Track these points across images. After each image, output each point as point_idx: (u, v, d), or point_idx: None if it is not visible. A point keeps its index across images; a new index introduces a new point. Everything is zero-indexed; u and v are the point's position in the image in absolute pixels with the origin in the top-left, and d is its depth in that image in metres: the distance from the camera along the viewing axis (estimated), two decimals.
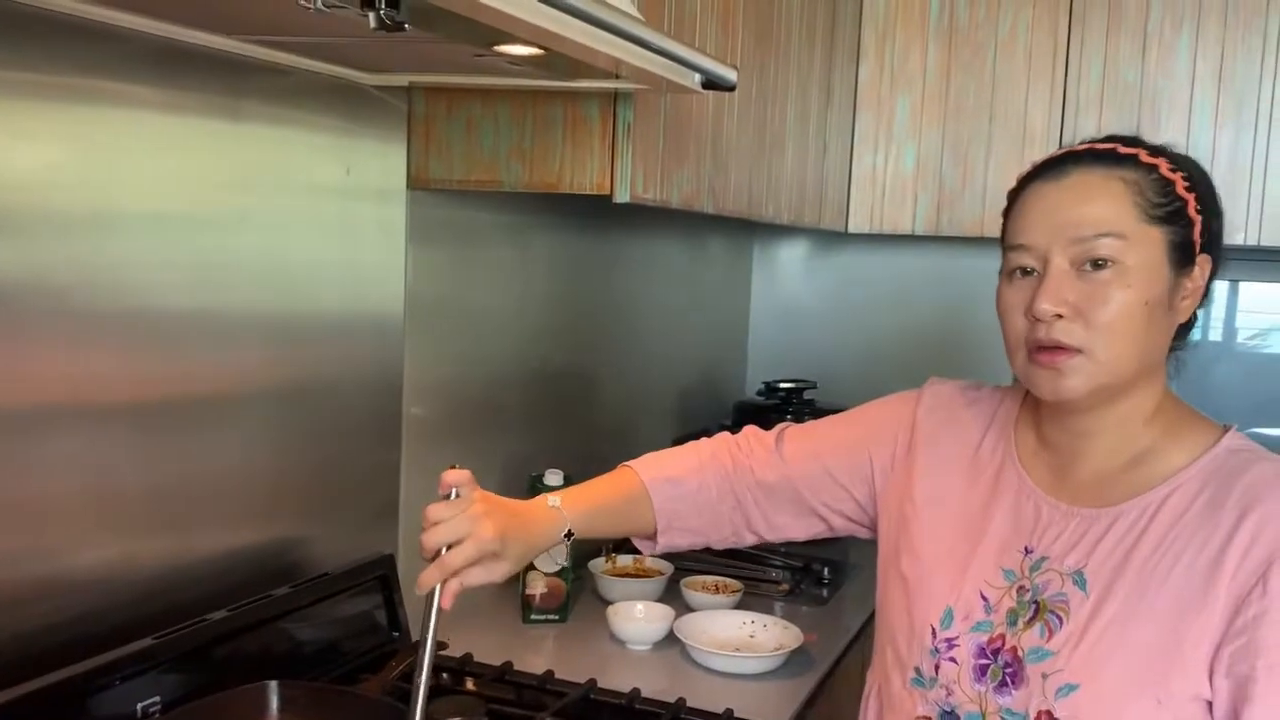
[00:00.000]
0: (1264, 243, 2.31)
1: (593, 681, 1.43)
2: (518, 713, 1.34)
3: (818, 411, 2.43)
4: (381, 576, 1.51)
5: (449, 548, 1.03)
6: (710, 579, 1.94)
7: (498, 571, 1.07)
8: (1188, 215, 1.01)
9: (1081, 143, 1.06)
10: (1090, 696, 0.98)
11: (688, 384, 2.68)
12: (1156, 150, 1.04)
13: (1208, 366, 2.65)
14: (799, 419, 2.38)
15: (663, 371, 2.57)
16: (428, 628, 1.03)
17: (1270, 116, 2.29)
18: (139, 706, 1.14)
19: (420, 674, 1.02)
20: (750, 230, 2.99)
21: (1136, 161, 1.01)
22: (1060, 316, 0.99)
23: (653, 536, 1.26)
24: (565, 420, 2.13)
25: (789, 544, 2.22)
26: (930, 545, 1.15)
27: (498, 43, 1.10)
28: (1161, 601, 0.97)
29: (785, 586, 2.02)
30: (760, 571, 2.06)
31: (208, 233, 1.29)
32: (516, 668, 1.47)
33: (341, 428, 1.53)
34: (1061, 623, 1.01)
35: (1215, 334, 2.71)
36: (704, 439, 1.35)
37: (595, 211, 2.07)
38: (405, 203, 1.61)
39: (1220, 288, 2.62)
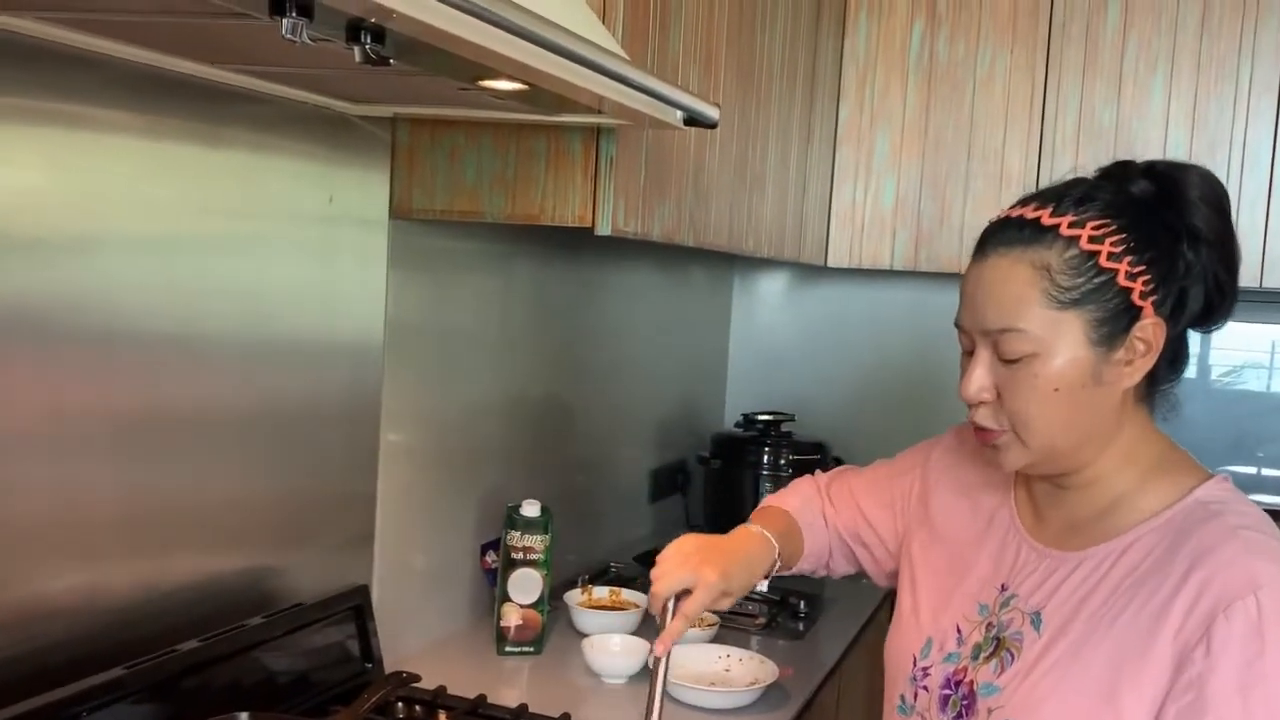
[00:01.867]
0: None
1: (566, 716, 1.43)
2: None
3: (795, 445, 2.44)
4: (356, 607, 1.50)
5: (679, 599, 1.10)
6: None
7: (727, 604, 1.16)
8: (1116, 285, 0.97)
9: (1027, 200, 1.02)
10: None
11: (666, 415, 2.69)
12: (1089, 200, 0.99)
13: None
14: (777, 452, 2.41)
15: (641, 402, 2.57)
16: (658, 680, 1.08)
17: (1242, 158, 2.34)
18: None
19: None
20: (730, 262, 3.01)
21: (1055, 234, 0.97)
22: (985, 402, 1.01)
23: (794, 563, 1.31)
24: (544, 450, 2.13)
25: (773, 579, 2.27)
26: (924, 578, 1.19)
27: (482, 78, 1.11)
28: (1105, 648, 0.97)
29: (761, 620, 2.02)
30: (737, 605, 2.05)
31: (187, 258, 1.29)
32: (490, 700, 1.46)
33: (318, 455, 1.53)
34: (1013, 659, 1.03)
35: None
36: (804, 478, 1.41)
37: (576, 242, 2.08)
38: (387, 231, 1.61)
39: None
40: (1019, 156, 2.47)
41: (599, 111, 1.31)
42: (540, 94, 1.16)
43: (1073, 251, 0.97)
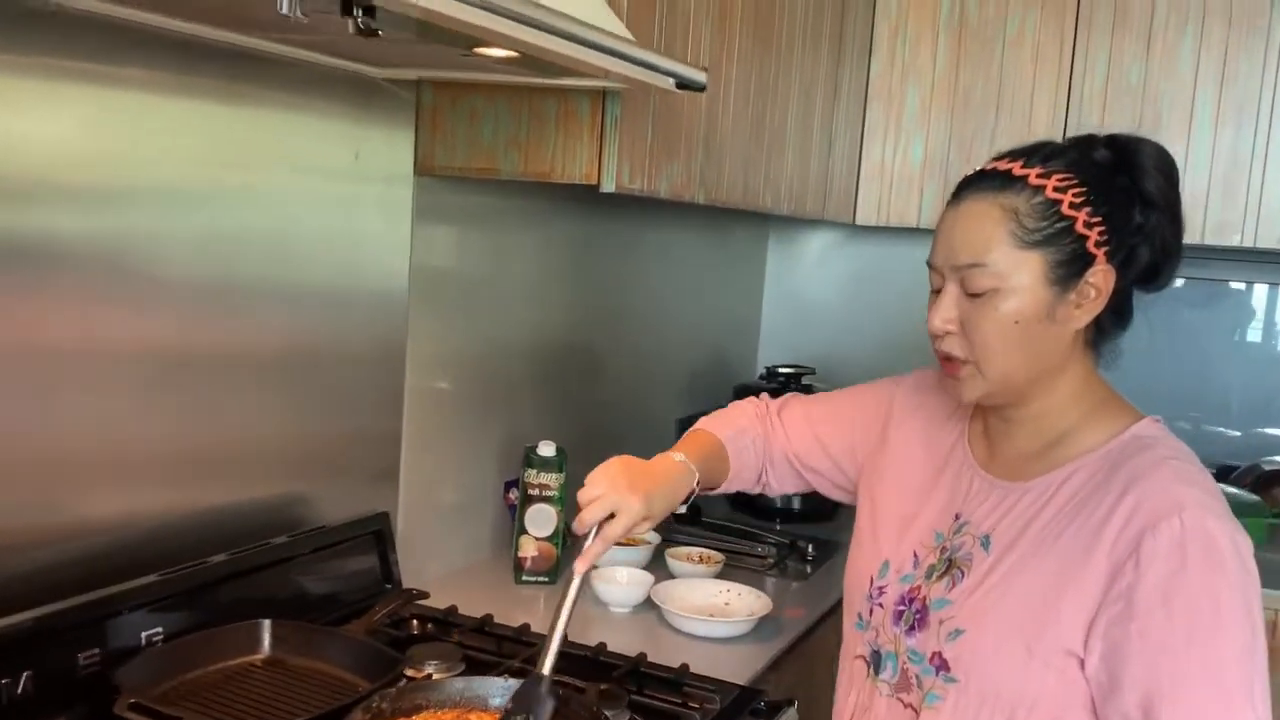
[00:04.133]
0: (1260, 244, 2.35)
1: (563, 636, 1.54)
2: (491, 659, 1.45)
3: None
4: (377, 532, 1.64)
5: (604, 521, 1.19)
6: (695, 550, 2.04)
7: (644, 528, 1.23)
8: (1074, 232, 1.06)
9: (998, 158, 1.12)
10: (972, 641, 1.09)
11: (696, 367, 2.78)
12: (1056, 157, 1.09)
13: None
14: None
15: (672, 353, 2.67)
16: (569, 595, 1.16)
17: (1271, 117, 2.33)
18: (143, 635, 1.28)
19: (555, 633, 1.16)
20: (765, 222, 3.08)
21: (1024, 184, 1.07)
22: (950, 333, 1.10)
23: (717, 486, 1.40)
24: (570, 395, 2.25)
25: (782, 521, 2.37)
26: (884, 507, 1.29)
27: (474, 46, 1.21)
28: (1046, 565, 1.07)
29: (770, 561, 2.12)
30: (748, 546, 2.16)
31: (220, 209, 1.42)
32: (497, 620, 1.59)
33: (345, 395, 1.65)
34: (963, 576, 1.13)
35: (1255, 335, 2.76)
36: (747, 400, 1.51)
37: (611, 199, 2.18)
38: (412, 186, 1.72)
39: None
40: (1046, 114, 2.49)
41: (599, 75, 1.40)
42: (533, 60, 1.25)
43: (1039, 199, 1.07)
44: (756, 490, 1.48)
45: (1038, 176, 1.07)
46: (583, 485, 1.22)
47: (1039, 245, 1.06)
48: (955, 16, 2.55)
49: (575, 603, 1.16)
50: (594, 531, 1.19)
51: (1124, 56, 2.42)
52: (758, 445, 1.44)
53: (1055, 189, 1.07)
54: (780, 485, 1.47)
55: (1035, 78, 2.50)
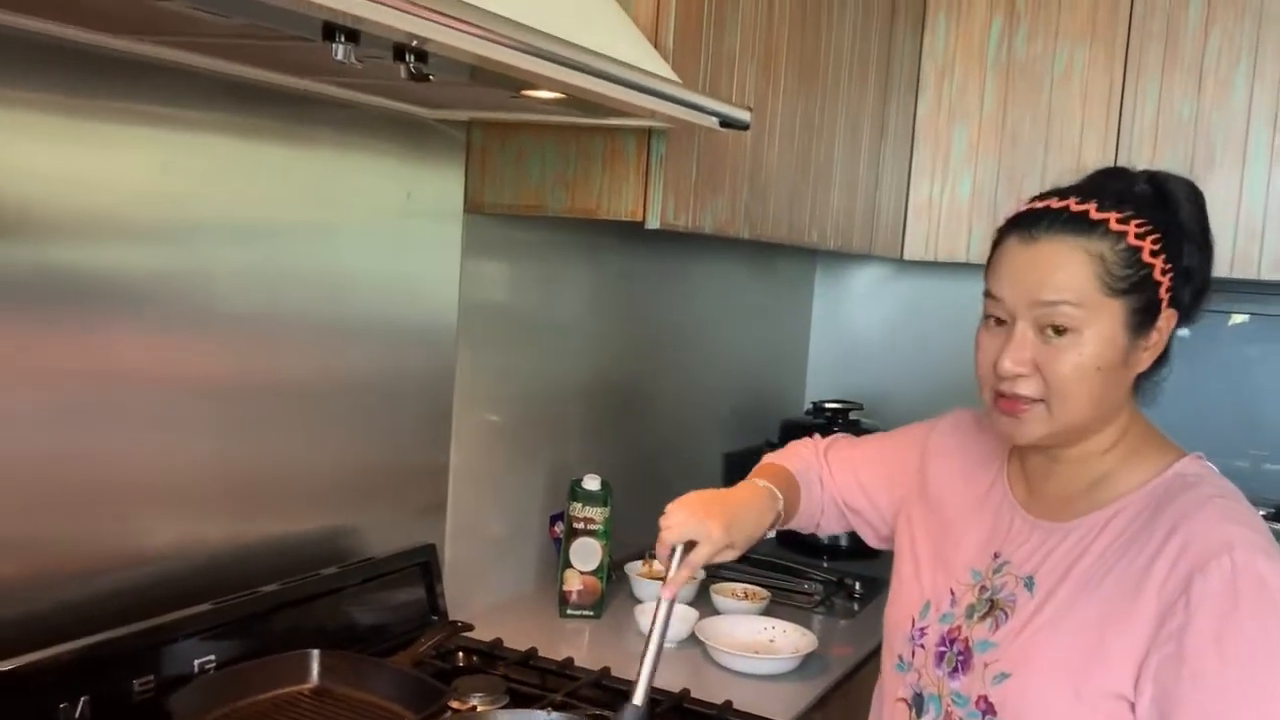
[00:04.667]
0: None
1: (606, 669, 1.55)
2: (535, 692, 1.46)
3: (861, 433, 2.51)
4: (424, 564, 1.66)
5: (685, 548, 1.18)
6: (740, 586, 2.04)
7: (731, 557, 1.22)
8: (1152, 280, 1.06)
9: (1061, 195, 1.10)
10: (1018, 684, 1.08)
11: (742, 402, 2.78)
12: (1127, 200, 1.08)
13: None
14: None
15: (718, 389, 2.68)
16: (657, 623, 1.15)
17: None
18: (196, 663, 1.30)
19: (646, 661, 1.14)
20: (812, 258, 3.09)
21: (1105, 229, 1.06)
22: (1023, 375, 1.08)
23: (788, 524, 1.39)
24: (616, 429, 2.26)
25: (829, 558, 2.35)
26: (922, 546, 1.28)
27: (523, 88, 1.24)
28: (1093, 606, 1.06)
29: (817, 598, 2.11)
30: (794, 583, 2.15)
31: (276, 246, 1.46)
32: (541, 654, 1.60)
33: (394, 428, 1.68)
34: (1007, 618, 1.11)
35: None
36: (803, 440, 1.52)
37: (661, 236, 2.20)
38: (461, 224, 1.76)
39: None
40: (1096, 151, 2.47)
41: (645, 115, 1.42)
42: (580, 101, 1.28)
43: (1122, 245, 1.06)
44: (810, 531, 1.48)
45: (1118, 222, 1.06)
46: (662, 513, 1.21)
47: (1124, 293, 1.06)
48: (1003, 54, 2.55)
49: (664, 631, 1.15)
50: (677, 560, 1.18)
51: (1175, 92, 2.40)
52: (819, 485, 1.44)
53: (1136, 236, 1.06)
54: (828, 525, 1.47)
55: (1084, 115, 2.49)
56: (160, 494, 1.34)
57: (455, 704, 1.36)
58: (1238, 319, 2.73)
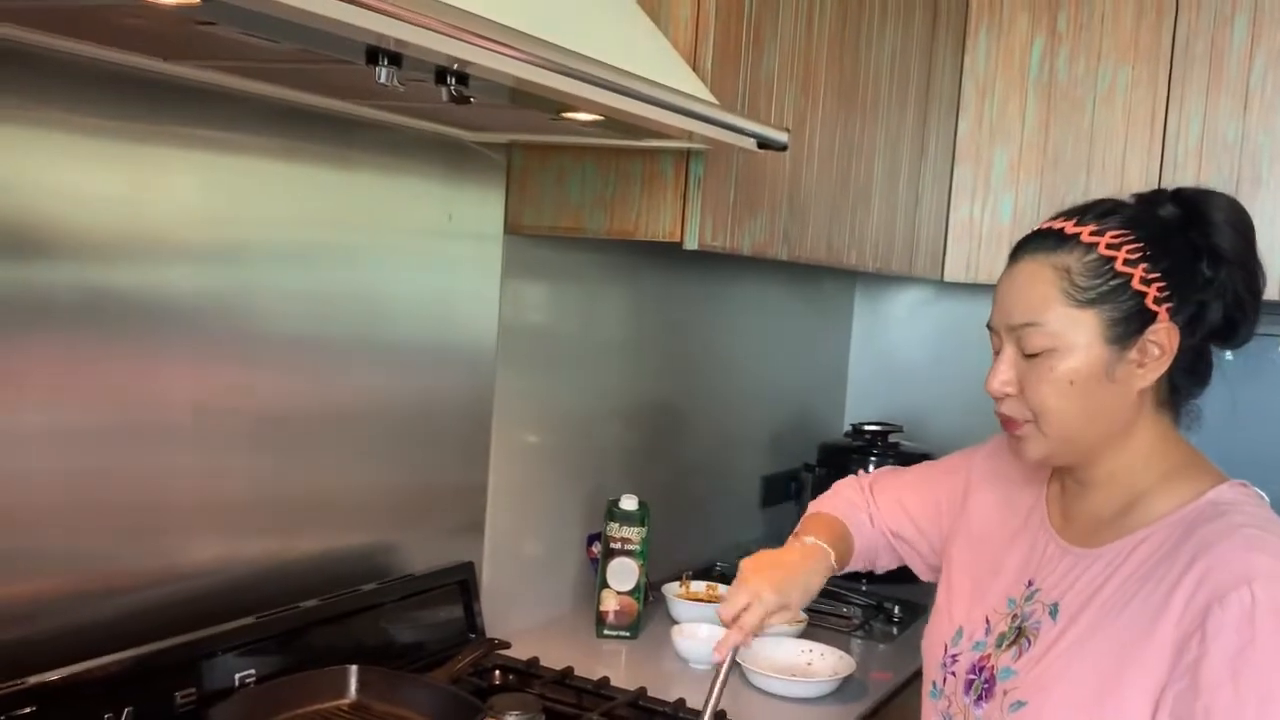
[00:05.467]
0: None
1: (642, 689, 1.55)
2: (571, 711, 1.46)
3: (901, 455, 2.49)
4: (462, 581, 1.67)
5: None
6: None
7: (788, 616, 1.26)
8: (1130, 289, 1.05)
9: (1053, 216, 1.12)
10: (1033, 713, 1.06)
11: (781, 424, 2.78)
12: (1112, 214, 1.07)
13: None
14: (882, 461, 2.47)
15: (757, 410, 2.67)
16: (719, 677, 1.22)
17: None
18: (237, 676, 1.32)
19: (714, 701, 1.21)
20: (853, 279, 3.08)
21: (1076, 242, 1.06)
22: (1009, 395, 1.09)
23: (843, 569, 1.40)
24: (654, 450, 2.26)
25: (868, 582, 2.33)
26: (960, 573, 1.27)
27: (563, 110, 1.25)
28: (1112, 634, 1.04)
29: (855, 622, 2.09)
30: (833, 606, 2.14)
31: (319, 268, 1.49)
32: (577, 673, 1.60)
33: (433, 448, 1.70)
34: (1030, 645, 1.10)
35: None
36: (847, 480, 1.51)
37: (699, 258, 2.21)
38: (501, 245, 1.78)
39: None
40: (1139, 173, 2.45)
41: (683, 137, 1.43)
42: (619, 123, 1.29)
43: (1091, 256, 1.06)
44: (866, 569, 1.47)
45: (1090, 234, 1.06)
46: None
47: (1093, 304, 1.05)
48: (1045, 75, 2.54)
49: (722, 685, 1.21)
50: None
51: (1220, 113, 2.38)
52: (869, 523, 1.44)
53: (1108, 246, 1.05)
54: (881, 562, 1.46)
55: (1127, 135, 2.47)
56: (202, 512, 1.36)
57: None
58: None
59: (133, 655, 1.22)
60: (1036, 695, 1.07)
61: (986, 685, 1.12)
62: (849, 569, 1.42)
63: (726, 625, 1.23)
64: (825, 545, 1.32)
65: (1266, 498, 1.09)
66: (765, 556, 1.28)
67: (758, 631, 1.22)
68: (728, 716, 1.51)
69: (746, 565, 1.25)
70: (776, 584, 1.22)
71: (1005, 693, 1.09)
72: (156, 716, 1.23)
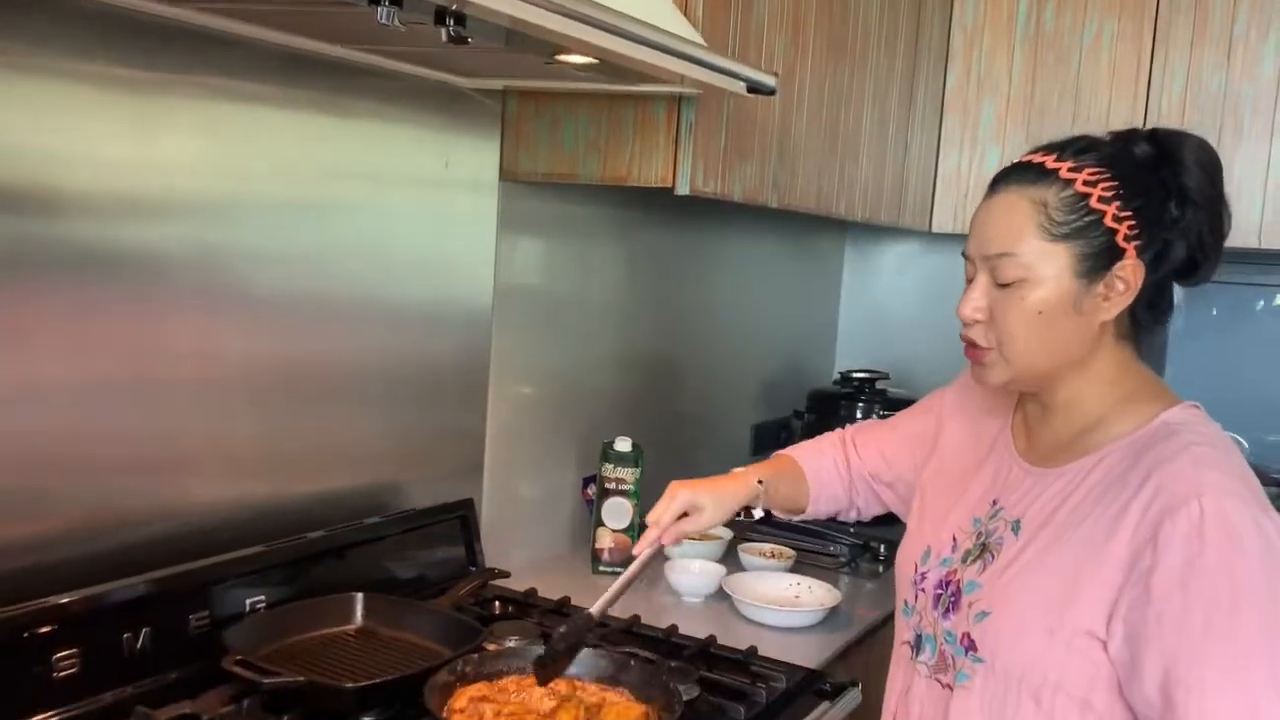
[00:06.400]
0: None
1: (636, 617, 1.61)
2: None
3: (887, 401, 2.55)
4: (462, 517, 1.72)
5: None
6: (767, 545, 2.09)
7: (702, 520, 1.35)
8: (1103, 226, 1.08)
9: (1032, 150, 1.15)
10: (996, 622, 1.12)
11: (771, 374, 2.83)
12: (1090, 150, 1.10)
13: None
14: (869, 408, 2.53)
15: (748, 360, 2.73)
16: (631, 570, 1.30)
17: None
18: (248, 602, 1.38)
19: (621, 580, 1.30)
20: (843, 231, 3.12)
21: (1055, 177, 1.09)
22: (979, 321, 1.13)
23: (804, 509, 1.50)
24: (647, 399, 2.32)
25: (857, 524, 2.40)
26: (930, 497, 1.34)
27: (557, 53, 1.29)
28: (1068, 549, 1.09)
29: (843, 560, 2.16)
30: (821, 545, 2.20)
31: (319, 221, 1.52)
32: (574, 603, 1.66)
33: (432, 397, 1.75)
34: (993, 560, 1.16)
35: None
36: (833, 432, 1.58)
37: (691, 207, 2.25)
38: (497, 194, 1.81)
39: None
40: (1124, 124, 2.46)
41: (674, 81, 1.47)
42: (611, 66, 1.33)
43: (1068, 192, 1.09)
44: (852, 517, 1.54)
45: (1069, 170, 1.09)
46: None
47: (1067, 238, 1.08)
48: (1031, 27, 2.57)
49: (630, 579, 1.30)
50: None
51: (1204, 64, 2.41)
52: (840, 467, 1.50)
53: (1085, 183, 1.08)
54: (867, 508, 1.52)
55: (1113, 88, 2.50)
56: (210, 455, 1.41)
57: (491, 646, 1.42)
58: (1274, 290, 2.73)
59: (147, 579, 1.27)
60: (999, 605, 1.12)
61: (953, 599, 1.18)
62: (820, 513, 1.50)
63: (649, 524, 1.33)
64: (754, 474, 1.42)
65: (1208, 418, 1.14)
66: (695, 479, 1.38)
67: (676, 537, 1.32)
68: (718, 640, 1.56)
69: (674, 482, 1.36)
70: (692, 489, 1.34)
71: (970, 604, 1.15)
72: (172, 637, 1.28)
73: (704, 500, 1.33)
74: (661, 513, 1.32)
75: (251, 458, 1.46)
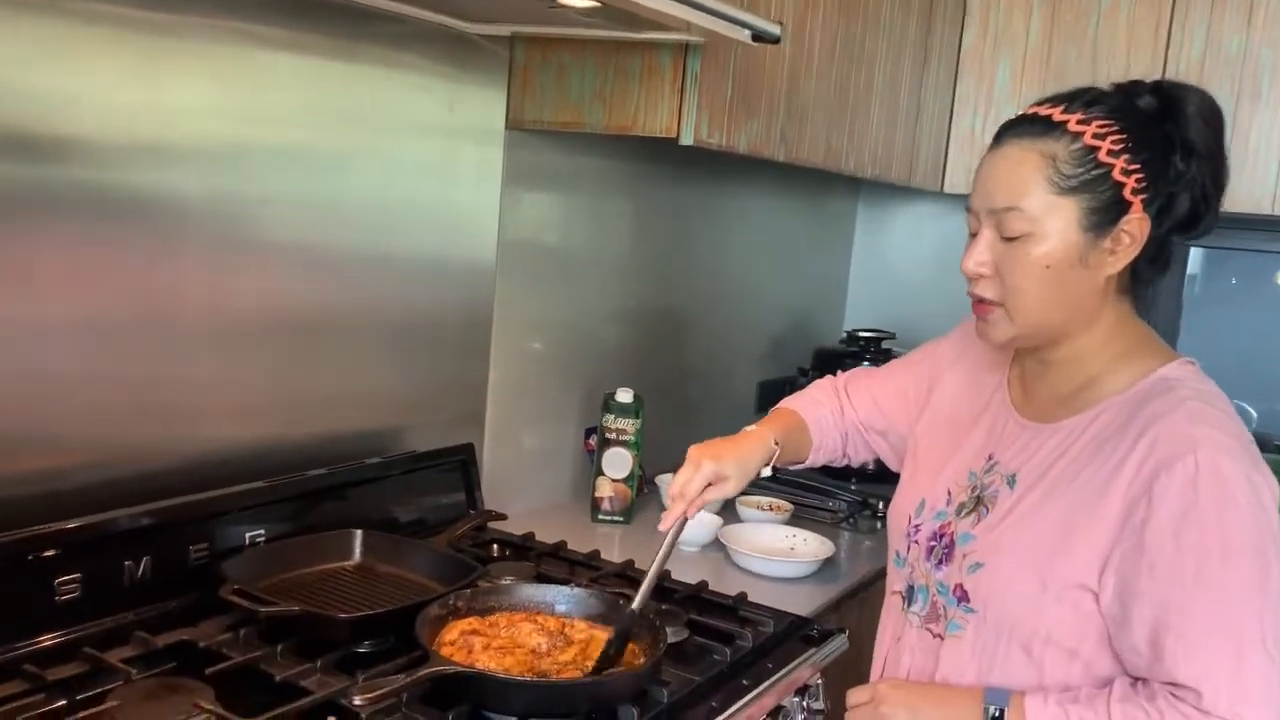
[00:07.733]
0: None
1: (630, 561, 1.63)
2: (563, 578, 1.55)
3: (891, 359, 2.55)
4: (463, 461, 1.75)
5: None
6: (765, 499, 2.11)
7: (728, 489, 1.33)
8: (1110, 179, 1.07)
9: (1041, 103, 1.13)
10: (989, 573, 1.14)
11: (779, 331, 2.84)
12: (1098, 103, 1.09)
13: None
14: (874, 365, 2.53)
15: (755, 318, 2.73)
16: (666, 544, 1.30)
17: None
18: (247, 536, 1.41)
19: (654, 567, 1.29)
20: (855, 190, 3.11)
21: (1063, 130, 1.08)
22: (983, 276, 1.12)
23: (803, 458, 1.49)
24: (652, 356, 2.33)
25: (857, 481, 2.42)
26: (924, 450, 1.34)
27: None
28: (1065, 501, 1.10)
29: (841, 515, 2.17)
30: (819, 500, 2.22)
31: (326, 170, 1.53)
32: (570, 548, 1.68)
33: (437, 344, 1.76)
34: (988, 512, 1.17)
35: None
36: (825, 379, 1.58)
37: (701, 161, 2.25)
38: (502, 143, 1.82)
39: None
40: None
41: (679, 27, 1.47)
42: (613, 10, 1.33)
43: (1077, 145, 1.08)
44: (842, 463, 1.54)
45: (1077, 123, 1.08)
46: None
47: (1074, 191, 1.08)
48: None
49: (668, 552, 1.30)
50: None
51: (1224, 25, 2.38)
52: (835, 418, 1.50)
53: (1094, 135, 1.08)
54: (856, 455, 1.53)
55: (1130, 50, 2.47)
56: (216, 396, 1.44)
57: (487, 585, 1.44)
58: None
59: (150, 509, 1.30)
60: (993, 557, 1.14)
61: (947, 550, 1.19)
62: (816, 462, 1.50)
63: (673, 498, 1.31)
64: (769, 433, 1.39)
65: (1203, 374, 1.15)
66: (711, 441, 1.36)
67: (699, 503, 1.30)
68: (709, 586, 1.59)
69: (692, 448, 1.33)
70: (714, 456, 1.30)
71: (964, 556, 1.17)
72: (172, 567, 1.31)
73: (729, 468, 1.31)
74: (686, 483, 1.29)
75: (258, 398, 1.49)
